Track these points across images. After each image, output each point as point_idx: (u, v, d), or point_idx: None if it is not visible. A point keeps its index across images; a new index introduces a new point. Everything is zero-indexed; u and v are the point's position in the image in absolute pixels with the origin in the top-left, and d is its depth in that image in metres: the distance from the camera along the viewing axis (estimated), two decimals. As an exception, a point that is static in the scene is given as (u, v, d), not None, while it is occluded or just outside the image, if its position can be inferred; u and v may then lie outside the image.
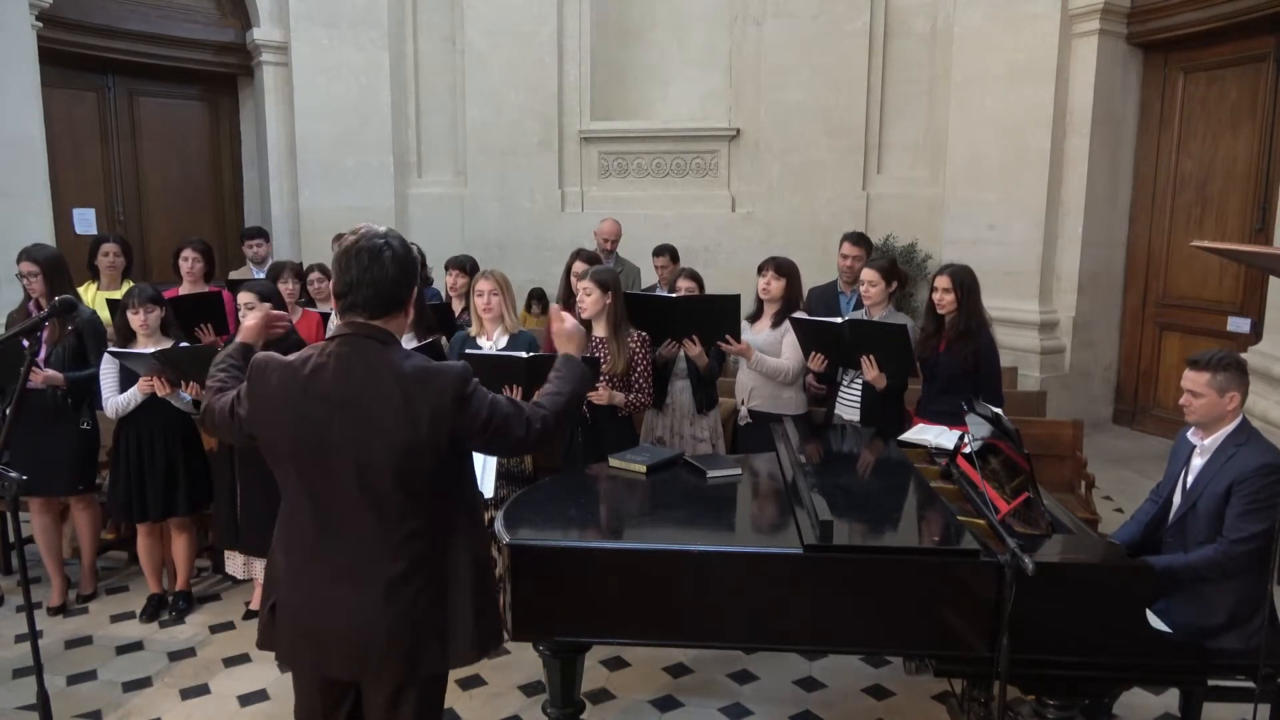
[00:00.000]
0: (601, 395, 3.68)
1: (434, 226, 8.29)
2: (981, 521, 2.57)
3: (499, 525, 2.56)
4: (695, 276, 4.33)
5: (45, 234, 5.88)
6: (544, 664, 2.79)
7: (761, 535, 2.80)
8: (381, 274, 1.93)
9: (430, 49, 8.40)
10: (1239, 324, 6.15)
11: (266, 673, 3.57)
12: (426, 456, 1.92)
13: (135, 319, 3.78)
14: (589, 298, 3.76)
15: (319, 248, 7.27)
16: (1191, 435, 2.88)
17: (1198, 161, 6.47)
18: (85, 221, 7.25)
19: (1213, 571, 2.66)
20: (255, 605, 3.96)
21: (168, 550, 4.13)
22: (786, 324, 4.04)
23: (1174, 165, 6.64)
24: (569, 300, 4.54)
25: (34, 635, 2.57)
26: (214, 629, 3.95)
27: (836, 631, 2.47)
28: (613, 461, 3.17)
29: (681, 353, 4.07)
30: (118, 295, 4.52)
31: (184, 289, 4.86)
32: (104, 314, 4.33)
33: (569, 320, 2.33)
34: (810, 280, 4.70)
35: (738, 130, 8.20)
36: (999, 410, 2.85)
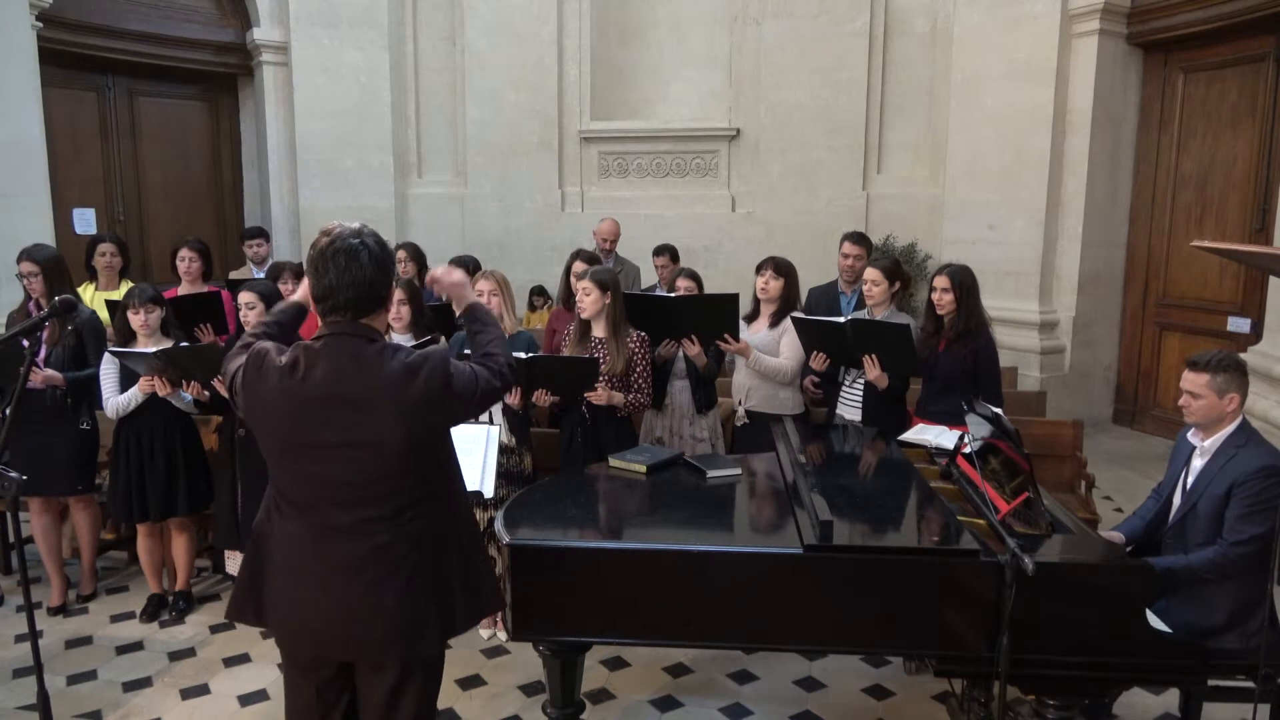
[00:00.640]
0: (601, 395, 3.68)
1: (434, 226, 8.31)
2: (981, 521, 2.57)
3: (499, 525, 2.57)
4: (694, 276, 4.33)
5: (45, 234, 5.89)
6: (544, 664, 2.79)
7: (761, 535, 2.80)
8: (360, 275, 1.94)
9: (430, 49, 8.40)
10: (1239, 324, 6.14)
11: (266, 673, 3.57)
12: (418, 446, 1.97)
13: (135, 319, 3.78)
14: (588, 298, 3.76)
15: (318, 248, 7.28)
16: (1192, 436, 2.88)
17: (1198, 161, 6.46)
18: (85, 222, 7.25)
19: (1212, 573, 2.66)
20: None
21: (168, 550, 4.13)
22: (784, 324, 4.04)
23: (1174, 165, 6.63)
24: (569, 300, 4.55)
25: (34, 635, 2.58)
26: (214, 629, 3.96)
27: (836, 631, 2.47)
28: (612, 461, 3.18)
29: (681, 353, 4.07)
30: (116, 295, 4.53)
31: (182, 289, 4.86)
32: (103, 314, 4.32)
33: (454, 271, 2.34)
34: (810, 280, 4.70)
35: (738, 130, 8.21)
36: (999, 410, 2.85)
